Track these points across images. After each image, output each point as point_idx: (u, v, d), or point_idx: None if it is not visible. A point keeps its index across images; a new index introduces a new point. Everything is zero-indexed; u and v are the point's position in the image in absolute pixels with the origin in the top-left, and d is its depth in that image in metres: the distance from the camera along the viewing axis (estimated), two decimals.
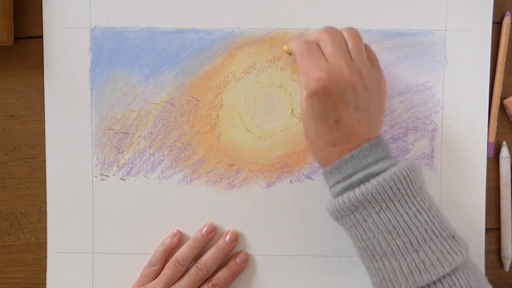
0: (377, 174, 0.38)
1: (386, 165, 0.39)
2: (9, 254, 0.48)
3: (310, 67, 0.39)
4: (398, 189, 0.38)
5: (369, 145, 0.39)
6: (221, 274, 0.46)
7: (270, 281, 0.48)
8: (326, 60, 0.39)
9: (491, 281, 0.47)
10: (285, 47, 0.44)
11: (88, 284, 0.48)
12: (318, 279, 0.47)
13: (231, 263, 0.46)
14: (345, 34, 0.40)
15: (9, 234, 0.48)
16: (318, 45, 0.40)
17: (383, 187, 0.37)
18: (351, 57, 0.39)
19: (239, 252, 0.47)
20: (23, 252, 0.48)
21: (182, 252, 0.46)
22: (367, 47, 0.42)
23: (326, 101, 0.39)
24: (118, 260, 0.47)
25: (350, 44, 0.40)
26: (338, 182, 0.40)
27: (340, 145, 0.39)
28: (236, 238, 0.47)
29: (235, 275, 0.46)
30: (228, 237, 0.46)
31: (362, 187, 0.38)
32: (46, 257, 0.48)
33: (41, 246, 0.48)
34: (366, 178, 0.38)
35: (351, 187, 0.39)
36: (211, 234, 0.47)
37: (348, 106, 0.39)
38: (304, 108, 0.40)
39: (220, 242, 0.46)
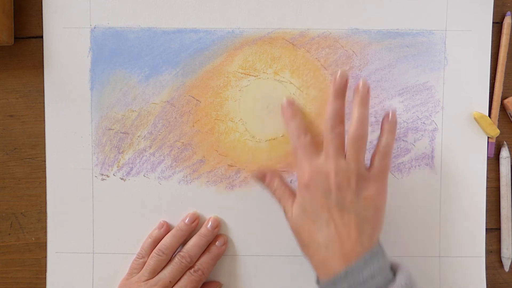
0: None
1: (383, 281, 0.38)
2: (9, 254, 0.48)
3: (302, 162, 0.42)
4: None
5: (363, 259, 0.38)
6: (203, 259, 0.46)
7: (270, 281, 0.48)
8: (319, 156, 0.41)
9: (491, 281, 0.48)
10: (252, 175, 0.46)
11: (88, 284, 0.48)
12: None
13: (212, 248, 0.47)
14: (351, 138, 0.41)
15: (9, 234, 0.48)
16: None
17: None
18: (345, 159, 0.41)
19: (218, 236, 0.47)
20: (23, 252, 0.48)
21: (165, 241, 0.46)
22: (384, 157, 0.42)
23: (315, 198, 0.40)
24: (118, 260, 0.47)
25: (350, 150, 0.41)
26: None
27: (333, 248, 0.39)
28: (218, 224, 0.47)
29: (216, 258, 0.47)
30: (210, 224, 0.47)
31: None
32: (46, 257, 0.48)
33: (41, 246, 0.48)
34: None
35: None
36: (195, 223, 0.47)
37: (334, 207, 0.40)
38: (295, 213, 0.41)
39: (203, 230, 0.46)
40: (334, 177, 0.40)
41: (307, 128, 0.44)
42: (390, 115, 0.43)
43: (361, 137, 0.41)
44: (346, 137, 0.41)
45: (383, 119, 0.43)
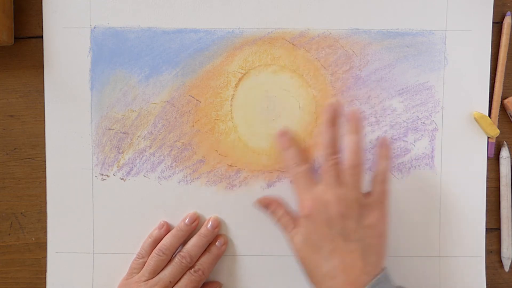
0: None
1: None
2: (9, 254, 0.48)
3: (302, 191, 0.42)
4: None
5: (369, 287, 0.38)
6: (203, 259, 0.46)
7: (270, 281, 0.48)
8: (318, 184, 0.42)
9: (491, 281, 0.48)
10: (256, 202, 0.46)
11: (88, 284, 0.48)
12: None
13: (212, 248, 0.47)
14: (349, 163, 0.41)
15: (9, 234, 0.48)
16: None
17: None
18: (345, 190, 0.41)
19: (218, 236, 0.47)
20: (23, 252, 0.48)
21: (166, 241, 0.46)
22: (382, 183, 0.42)
23: (318, 228, 0.40)
24: (118, 260, 0.47)
25: (348, 179, 0.41)
26: None
27: (338, 278, 0.39)
28: (218, 224, 0.47)
29: (216, 258, 0.47)
30: (210, 224, 0.47)
31: None
32: (46, 257, 0.48)
33: (41, 246, 0.48)
34: None
35: None
36: (195, 223, 0.47)
37: (338, 237, 0.40)
38: (299, 243, 0.41)
39: (203, 230, 0.46)
40: (335, 206, 0.40)
41: (304, 156, 0.45)
42: (384, 140, 0.44)
43: (357, 165, 0.41)
44: (343, 165, 0.42)
45: (377, 146, 0.44)
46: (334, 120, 0.43)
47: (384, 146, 0.44)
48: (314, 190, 0.42)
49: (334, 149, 0.42)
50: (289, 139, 0.45)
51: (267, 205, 0.46)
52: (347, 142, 0.42)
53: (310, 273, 0.41)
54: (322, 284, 0.40)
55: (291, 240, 0.43)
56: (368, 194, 0.42)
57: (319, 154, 0.43)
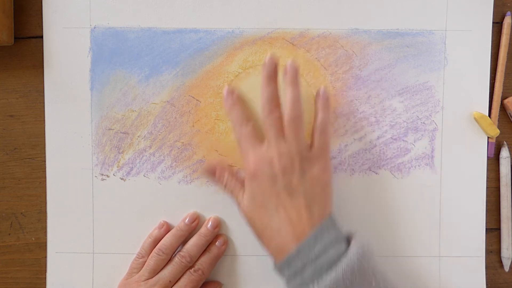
0: (327, 266, 0.37)
1: (335, 253, 0.38)
2: (9, 254, 0.48)
3: (246, 151, 0.42)
4: (352, 282, 0.37)
5: (313, 235, 0.39)
6: (203, 259, 0.46)
7: (270, 281, 0.48)
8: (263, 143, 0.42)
9: (491, 281, 0.48)
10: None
11: (88, 284, 0.48)
12: None
13: (212, 248, 0.47)
14: (287, 116, 0.41)
15: (9, 234, 0.48)
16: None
17: (336, 285, 0.36)
18: (287, 143, 0.41)
19: (218, 236, 0.47)
20: (23, 252, 0.48)
21: (165, 241, 0.46)
22: (322, 134, 0.42)
23: (263, 186, 0.40)
24: (118, 260, 0.47)
25: (288, 133, 0.41)
26: (290, 277, 0.39)
27: (285, 231, 0.39)
28: (218, 224, 0.47)
29: (216, 258, 0.47)
30: (210, 224, 0.47)
31: (315, 286, 0.37)
32: (46, 257, 0.48)
33: (41, 246, 0.48)
34: (317, 273, 0.37)
35: (303, 284, 0.38)
36: (195, 223, 0.47)
37: (282, 192, 0.40)
38: (246, 203, 0.42)
39: (203, 230, 0.46)
40: (278, 162, 0.40)
41: (249, 115, 0.44)
42: (321, 91, 0.43)
43: (297, 117, 0.41)
44: (284, 119, 0.42)
45: (315, 97, 0.44)
46: (272, 75, 0.42)
47: (322, 97, 0.43)
48: (258, 148, 0.42)
49: (273, 105, 0.42)
50: (234, 98, 0.44)
51: (212, 171, 0.45)
52: (286, 96, 0.42)
53: (260, 233, 0.41)
54: (271, 240, 0.40)
55: (238, 203, 0.43)
56: (309, 146, 0.42)
57: (261, 112, 0.42)
